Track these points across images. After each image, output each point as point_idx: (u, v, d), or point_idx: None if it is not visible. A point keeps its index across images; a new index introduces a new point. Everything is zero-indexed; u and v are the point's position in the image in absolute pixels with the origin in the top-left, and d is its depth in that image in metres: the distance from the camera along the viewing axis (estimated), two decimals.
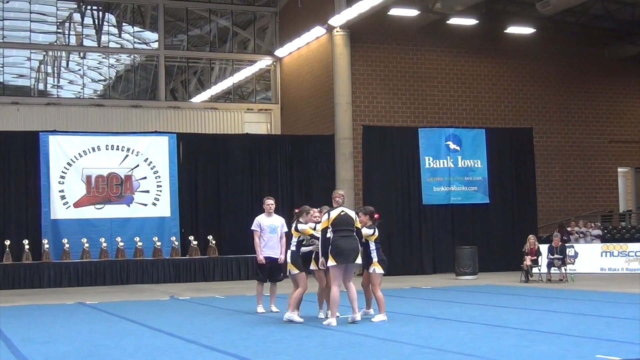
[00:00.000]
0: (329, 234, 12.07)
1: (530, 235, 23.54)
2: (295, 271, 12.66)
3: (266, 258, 14.18)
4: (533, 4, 28.46)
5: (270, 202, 14.38)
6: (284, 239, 14.28)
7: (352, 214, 12.32)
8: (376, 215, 12.82)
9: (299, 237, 12.79)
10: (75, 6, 34.77)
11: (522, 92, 32.68)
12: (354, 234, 12.16)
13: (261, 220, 14.26)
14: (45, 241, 25.20)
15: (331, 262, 12.00)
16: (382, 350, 9.38)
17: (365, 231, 12.46)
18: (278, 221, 14.36)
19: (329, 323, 11.85)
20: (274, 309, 14.28)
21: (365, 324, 11.99)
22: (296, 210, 13.20)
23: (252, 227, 14.29)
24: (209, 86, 36.58)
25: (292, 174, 28.74)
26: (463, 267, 24.67)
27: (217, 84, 36.61)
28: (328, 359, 8.79)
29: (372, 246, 12.57)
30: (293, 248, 12.84)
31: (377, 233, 12.63)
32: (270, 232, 14.20)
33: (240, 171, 28.08)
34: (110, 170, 26.58)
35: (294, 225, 12.92)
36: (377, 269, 12.52)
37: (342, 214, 12.16)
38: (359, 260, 12.21)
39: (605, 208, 33.92)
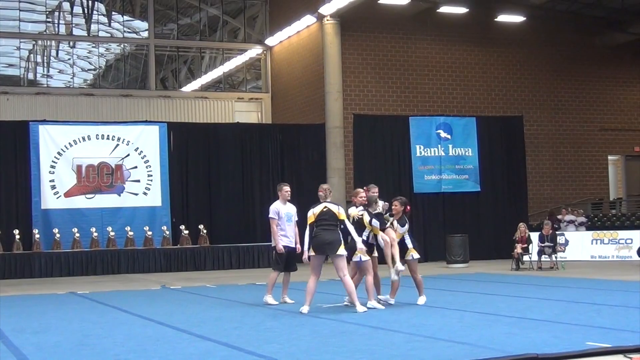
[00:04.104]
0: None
1: (521, 223, 23.56)
2: (366, 257, 12.44)
3: (284, 247, 13.60)
4: None
5: (288, 189, 13.88)
6: (296, 228, 13.90)
7: (335, 208, 12.24)
8: (408, 208, 13.12)
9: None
10: None
11: (513, 81, 32.70)
12: (337, 227, 12.18)
13: (279, 207, 13.66)
14: (35, 231, 25.13)
15: (311, 252, 12.18)
16: (374, 338, 9.38)
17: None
18: (293, 209, 13.90)
19: (301, 311, 11.90)
20: (287, 300, 13.67)
21: (357, 312, 11.97)
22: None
23: (270, 215, 13.63)
24: (199, 75, 36.48)
25: (283, 163, 28.68)
26: (454, 255, 24.74)
27: (208, 73, 36.52)
28: (319, 347, 8.78)
29: (407, 237, 12.93)
30: (364, 237, 12.48)
31: (407, 226, 12.97)
32: (287, 221, 13.68)
33: (231, 160, 28.00)
34: (101, 160, 26.50)
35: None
36: (414, 254, 12.83)
37: (324, 209, 12.21)
38: (342, 252, 12.13)
39: (595, 196, 34.01)
